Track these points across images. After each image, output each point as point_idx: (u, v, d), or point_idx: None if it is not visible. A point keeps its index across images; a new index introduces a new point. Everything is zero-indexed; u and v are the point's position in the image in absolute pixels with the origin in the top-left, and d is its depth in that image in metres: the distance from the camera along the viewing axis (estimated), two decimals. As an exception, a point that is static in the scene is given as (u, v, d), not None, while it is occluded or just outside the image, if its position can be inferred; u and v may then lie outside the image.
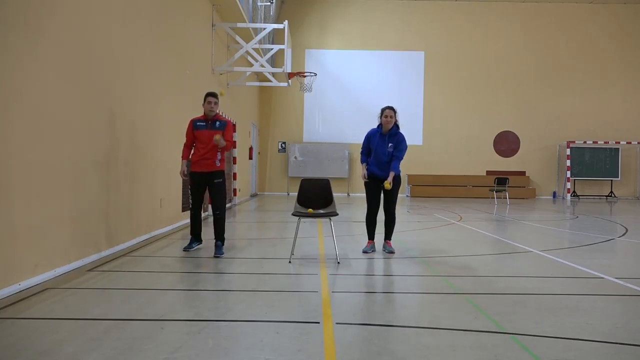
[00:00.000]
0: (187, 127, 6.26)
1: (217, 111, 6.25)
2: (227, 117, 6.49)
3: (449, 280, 4.83)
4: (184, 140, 6.31)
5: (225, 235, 6.28)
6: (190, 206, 6.37)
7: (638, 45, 21.08)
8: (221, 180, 6.22)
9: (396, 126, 6.11)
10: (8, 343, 3.06)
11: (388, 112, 6.03)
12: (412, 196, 20.10)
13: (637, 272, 5.45)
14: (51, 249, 4.65)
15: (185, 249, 6.24)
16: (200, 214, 6.39)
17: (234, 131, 13.66)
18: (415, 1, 21.14)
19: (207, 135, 6.05)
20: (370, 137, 6.17)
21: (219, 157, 6.16)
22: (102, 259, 5.58)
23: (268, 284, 4.74)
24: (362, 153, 6.26)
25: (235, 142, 13.74)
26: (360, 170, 6.23)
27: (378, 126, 6.14)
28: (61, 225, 4.80)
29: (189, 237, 6.43)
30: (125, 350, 2.90)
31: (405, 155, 6.16)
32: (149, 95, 7.28)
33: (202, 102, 6.21)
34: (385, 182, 5.91)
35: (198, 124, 6.14)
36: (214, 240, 6.12)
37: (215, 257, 5.88)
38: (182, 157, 6.30)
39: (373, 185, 6.16)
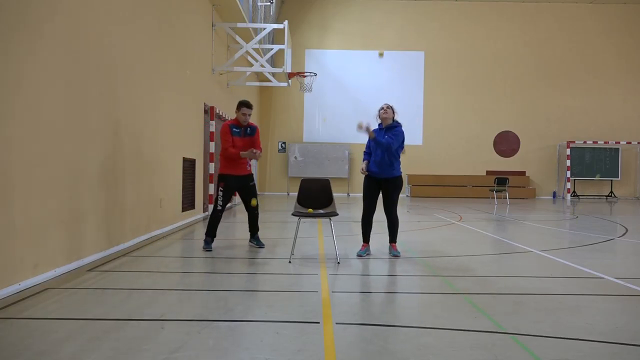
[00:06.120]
0: (223, 130, 6.31)
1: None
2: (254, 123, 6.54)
3: (449, 280, 4.83)
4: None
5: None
6: (219, 207, 6.33)
7: (638, 45, 21.09)
8: (254, 182, 6.59)
9: (396, 122, 6.08)
10: (8, 343, 3.06)
11: (383, 105, 6.13)
12: (412, 196, 20.10)
13: (637, 272, 5.45)
14: (51, 249, 4.65)
15: (207, 249, 6.23)
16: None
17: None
18: (415, 1, 21.14)
19: (241, 142, 6.29)
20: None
21: (249, 161, 6.50)
22: (102, 259, 5.58)
23: (268, 284, 4.75)
24: (364, 153, 6.25)
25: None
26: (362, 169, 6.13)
27: (379, 125, 6.15)
28: (61, 225, 4.80)
29: (203, 237, 6.42)
30: (125, 350, 2.90)
31: (405, 155, 6.14)
32: (148, 95, 7.27)
33: (235, 109, 6.33)
34: (360, 123, 5.86)
35: (234, 130, 6.31)
36: (250, 234, 6.58)
37: (259, 247, 6.40)
38: (238, 154, 6.21)
39: (371, 186, 6.08)
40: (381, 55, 20.74)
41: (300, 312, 3.72)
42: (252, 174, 6.56)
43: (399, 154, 6.03)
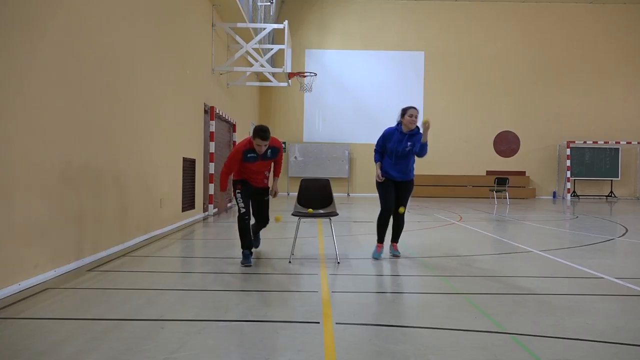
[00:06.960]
0: (233, 154, 5.60)
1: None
2: (278, 140, 5.87)
3: (449, 280, 4.83)
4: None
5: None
6: (243, 211, 5.59)
7: (638, 45, 21.08)
8: (269, 197, 6.07)
9: (417, 127, 5.78)
10: (8, 343, 3.06)
11: (413, 112, 5.67)
12: (412, 196, 20.08)
13: (637, 272, 5.45)
14: (51, 249, 4.65)
15: (247, 264, 5.42)
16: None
17: (234, 131, 13.69)
18: (415, 1, 21.14)
19: (259, 165, 5.68)
20: (387, 136, 5.78)
21: (267, 175, 5.95)
22: (102, 259, 5.58)
23: (268, 284, 4.75)
24: (376, 152, 5.89)
25: (235, 142, 13.75)
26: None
27: (397, 124, 5.80)
28: (61, 225, 4.80)
29: (240, 248, 5.63)
30: (125, 350, 2.90)
31: None
32: (149, 95, 7.27)
33: (252, 134, 5.51)
34: (424, 121, 5.52)
35: (249, 155, 5.57)
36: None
37: (254, 248, 6.12)
38: (221, 188, 5.72)
39: (389, 186, 5.80)
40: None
41: (300, 312, 3.72)
42: (268, 188, 5.98)
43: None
